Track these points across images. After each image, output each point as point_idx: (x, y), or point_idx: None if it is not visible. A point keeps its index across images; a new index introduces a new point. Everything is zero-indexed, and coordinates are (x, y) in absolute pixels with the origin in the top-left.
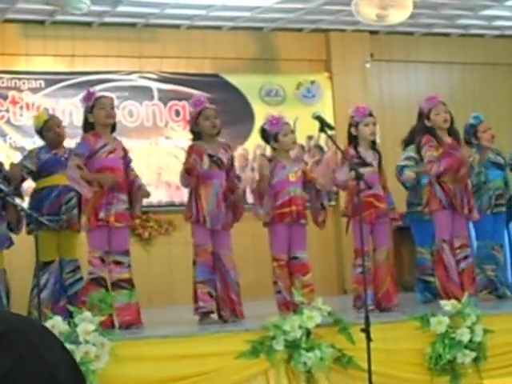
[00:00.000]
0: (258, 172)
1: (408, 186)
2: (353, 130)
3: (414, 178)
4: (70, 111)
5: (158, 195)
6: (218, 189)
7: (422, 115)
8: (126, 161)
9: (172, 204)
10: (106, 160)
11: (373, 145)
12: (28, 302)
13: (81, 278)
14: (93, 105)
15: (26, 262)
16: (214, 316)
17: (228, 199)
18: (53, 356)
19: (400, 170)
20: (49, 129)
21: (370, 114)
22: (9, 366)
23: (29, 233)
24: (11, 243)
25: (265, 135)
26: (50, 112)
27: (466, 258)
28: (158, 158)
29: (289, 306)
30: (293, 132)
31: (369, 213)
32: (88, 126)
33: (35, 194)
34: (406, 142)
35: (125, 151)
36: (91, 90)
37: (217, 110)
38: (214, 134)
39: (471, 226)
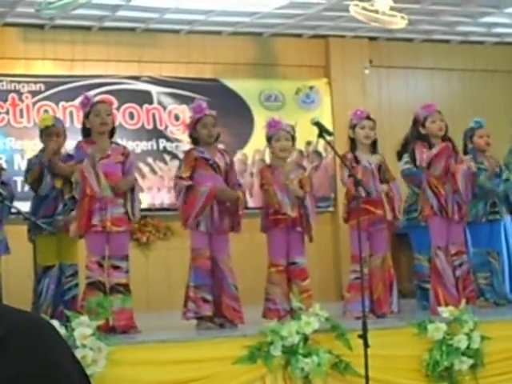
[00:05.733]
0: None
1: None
2: (350, 133)
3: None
4: (71, 114)
5: (160, 198)
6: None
7: (417, 122)
8: (126, 166)
9: (174, 207)
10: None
11: (373, 149)
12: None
13: (76, 284)
14: (89, 111)
15: (25, 267)
16: (210, 322)
17: (226, 206)
18: (57, 357)
19: (407, 170)
20: (48, 135)
21: (368, 118)
22: (14, 374)
23: (30, 239)
24: (8, 250)
25: (266, 137)
26: (56, 118)
27: (461, 265)
28: (160, 160)
29: (278, 313)
30: (288, 140)
31: (363, 219)
32: (85, 131)
33: (33, 199)
34: (401, 154)
35: (126, 156)
36: (88, 95)
37: (216, 116)
38: (210, 142)
39: (468, 233)
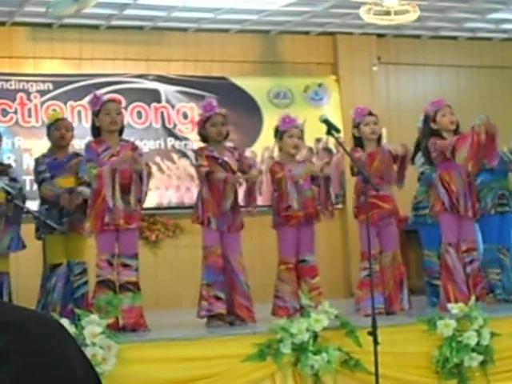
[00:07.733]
0: (269, 174)
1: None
2: (355, 132)
3: None
4: (79, 113)
5: (167, 197)
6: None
7: (428, 119)
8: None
9: (182, 205)
10: (108, 163)
11: (379, 144)
12: (36, 305)
13: (86, 282)
14: (99, 110)
15: (34, 265)
16: (220, 320)
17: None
18: (65, 357)
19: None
20: (57, 128)
21: (370, 114)
22: (15, 375)
23: (38, 238)
24: (24, 246)
25: (275, 132)
26: (66, 117)
27: (471, 262)
28: (168, 159)
29: (287, 311)
30: (300, 138)
31: (372, 213)
32: (95, 130)
33: (41, 199)
34: (413, 157)
35: (134, 150)
36: (98, 93)
37: (226, 115)
38: (219, 140)
39: (478, 228)
